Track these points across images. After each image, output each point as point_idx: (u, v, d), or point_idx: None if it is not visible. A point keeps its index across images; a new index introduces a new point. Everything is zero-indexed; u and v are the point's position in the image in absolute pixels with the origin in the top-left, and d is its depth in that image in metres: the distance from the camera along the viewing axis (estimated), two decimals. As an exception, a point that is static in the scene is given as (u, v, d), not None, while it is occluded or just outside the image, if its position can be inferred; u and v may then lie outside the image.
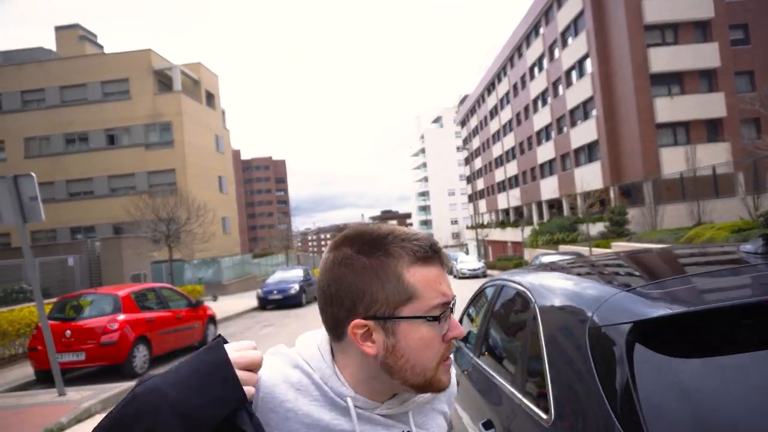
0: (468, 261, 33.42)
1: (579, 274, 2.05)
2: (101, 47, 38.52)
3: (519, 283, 2.29)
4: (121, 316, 8.80)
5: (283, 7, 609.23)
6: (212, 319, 11.47)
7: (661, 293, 1.47)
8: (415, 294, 0.81)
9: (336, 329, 0.83)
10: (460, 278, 31.18)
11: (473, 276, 30.25)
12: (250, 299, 22.26)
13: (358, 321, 0.79)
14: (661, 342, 1.30)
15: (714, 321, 1.31)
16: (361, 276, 0.80)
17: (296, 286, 19.10)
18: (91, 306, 9.17)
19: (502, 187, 53.70)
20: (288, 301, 18.64)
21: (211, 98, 37.73)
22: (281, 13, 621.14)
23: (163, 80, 34.17)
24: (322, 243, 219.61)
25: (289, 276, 20.34)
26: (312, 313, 16.89)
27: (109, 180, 32.58)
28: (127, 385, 7.53)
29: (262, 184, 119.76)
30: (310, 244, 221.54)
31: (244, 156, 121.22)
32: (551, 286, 2.01)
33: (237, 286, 30.32)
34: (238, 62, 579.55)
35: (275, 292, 18.81)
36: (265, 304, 18.84)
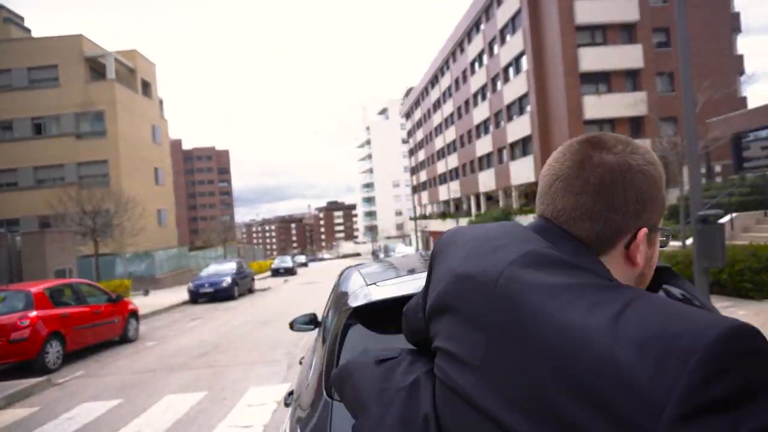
0: (405, 251, 34.03)
1: (376, 268, 2.41)
2: (28, 31, 36.43)
3: (347, 270, 2.62)
4: (33, 313, 8.63)
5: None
6: (134, 314, 11.33)
7: (386, 287, 1.87)
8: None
9: (612, 238, 0.75)
10: (400, 269, 31.75)
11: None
12: (183, 293, 21.89)
13: (645, 230, 0.76)
14: (372, 322, 1.74)
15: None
16: (656, 184, 0.77)
17: (228, 279, 18.97)
18: (3, 303, 8.94)
19: (444, 179, 54.74)
20: (220, 295, 18.51)
21: (147, 87, 36.46)
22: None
23: (96, 68, 32.73)
24: (267, 234, 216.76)
25: (222, 269, 20.16)
26: (242, 305, 16.89)
27: (35, 171, 30.99)
28: (36, 381, 7.42)
29: (204, 175, 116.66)
30: (254, 235, 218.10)
31: (186, 146, 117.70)
32: (355, 273, 2.34)
33: (171, 280, 29.67)
34: (182, 51, 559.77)
35: (207, 285, 18.62)
36: (197, 297, 18.63)
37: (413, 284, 1.91)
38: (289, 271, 37.47)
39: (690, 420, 0.49)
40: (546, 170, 0.82)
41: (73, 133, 31.09)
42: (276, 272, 37.57)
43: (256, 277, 36.88)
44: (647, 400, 0.51)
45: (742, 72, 31.15)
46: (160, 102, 40.21)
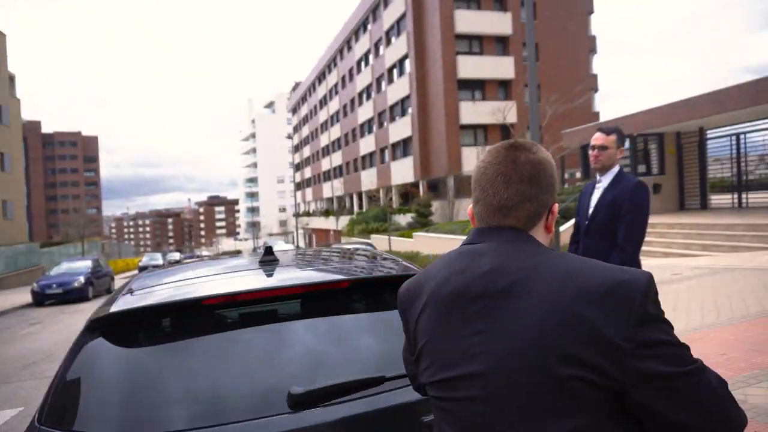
0: (283, 249, 33.38)
1: (171, 270, 2.29)
2: None
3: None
4: None
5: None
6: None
7: (140, 295, 1.66)
8: None
9: (542, 213, 1.05)
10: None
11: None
12: (27, 295, 19.60)
13: (556, 204, 1.10)
14: (115, 333, 1.56)
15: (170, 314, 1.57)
16: (555, 171, 1.09)
17: (81, 279, 17.27)
18: None
19: (328, 176, 54.65)
20: (71, 296, 16.76)
21: (-10, 59, 32.16)
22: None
23: None
24: (140, 230, 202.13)
25: (75, 267, 18.29)
26: (96, 308, 15.43)
27: None
28: None
29: (67, 163, 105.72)
30: (126, 230, 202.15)
31: (48, 129, 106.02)
32: (140, 278, 2.26)
33: (15, 280, 26.44)
34: (54, 29, 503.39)
35: (54, 285, 16.78)
36: (43, 299, 16.70)
37: (191, 288, 1.72)
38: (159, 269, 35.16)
39: (643, 325, 0.87)
40: (485, 168, 1.06)
41: None
42: (144, 270, 35.03)
43: (120, 276, 34.34)
44: (615, 323, 0.87)
45: (596, 89, 34.53)
46: (11, 78, 35.70)
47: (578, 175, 23.77)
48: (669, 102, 15.30)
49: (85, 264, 18.65)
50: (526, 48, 8.50)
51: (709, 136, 16.46)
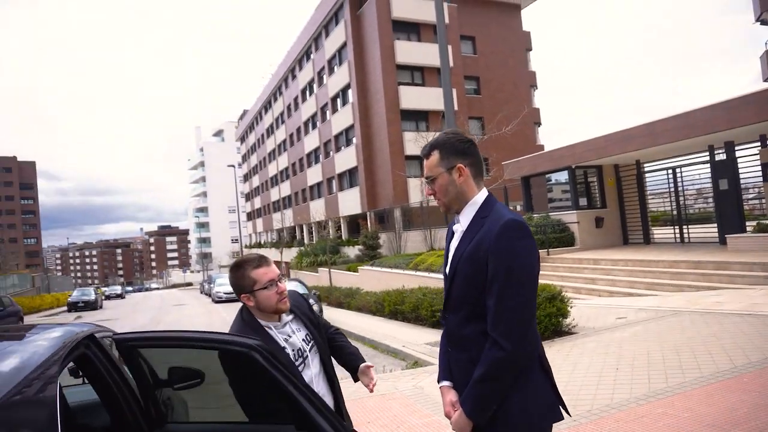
0: (225, 284, 31.73)
1: None
2: None
3: None
4: None
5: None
6: None
7: None
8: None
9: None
10: (216, 302, 29.46)
11: (230, 300, 28.79)
12: None
13: (244, 295, 2.12)
14: None
15: None
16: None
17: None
18: None
19: (278, 206, 53.34)
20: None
21: None
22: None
23: None
24: (87, 261, 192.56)
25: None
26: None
27: None
28: None
29: (2, 190, 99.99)
30: (72, 261, 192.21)
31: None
32: None
33: None
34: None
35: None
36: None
37: None
38: (90, 305, 32.74)
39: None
40: None
41: None
42: (74, 306, 32.58)
43: (43, 313, 31.73)
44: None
45: (539, 122, 35.02)
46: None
47: (519, 208, 23.59)
48: (605, 134, 15.13)
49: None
50: (441, 74, 7.87)
51: (646, 169, 16.41)
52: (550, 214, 17.01)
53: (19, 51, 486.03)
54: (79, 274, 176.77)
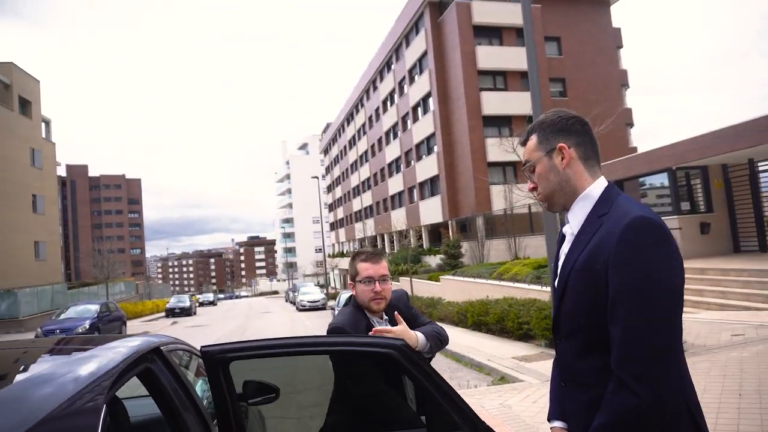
0: (309, 293, 32.41)
1: None
2: None
3: None
4: None
5: (152, 14, 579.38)
6: None
7: None
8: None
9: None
10: (300, 310, 30.08)
11: (313, 308, 29.30)
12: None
13: (350, 283, 2.22)
14: None
15: None
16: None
17: (86, 324, 16.59)
18: None
19: (359, 216, 54.00)
20: (72, 343, 16.08)
21: (26, 105, 33.17)
22: (157, 25, 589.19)
23: (-38, 81, 29.39)
24: (184, 270, 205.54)
25: (80, 312, 17.72)
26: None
27: None
28: None
29: (112, 205, 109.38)
30: (170, 270, 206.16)
31: (94, 172, 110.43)
32: None
33: (39, 321, 26.22)
34: (105, 80, 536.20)
35: (58, 331, 16.15)
36: (43, 346, 16.09)
37: None
38: (185, 312, 34.65)
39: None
40: None
41: (-70, 153, 27.44)
42: (171, 312, 34.65)
43: (144, 318, 33.96)
44: None
45: (630, 123, 32.89)
46: (47, 122, 36.85)
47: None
48: (712, 130, 13.72)
49: (92, 309, 18.04)
50: (529, 79, 7.37)
51: (761, 168, 14.73)
52: (647, 220, 15.69)
53: (126, 82, 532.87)
54: (176, 282, 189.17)
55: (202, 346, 1.93)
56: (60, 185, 78.36)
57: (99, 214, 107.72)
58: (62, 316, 17.82)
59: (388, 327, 2.04)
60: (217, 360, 1.83)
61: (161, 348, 1.80)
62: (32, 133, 33.47)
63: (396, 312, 2.23)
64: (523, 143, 1.59)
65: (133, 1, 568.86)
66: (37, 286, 29.04)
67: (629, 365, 1.25)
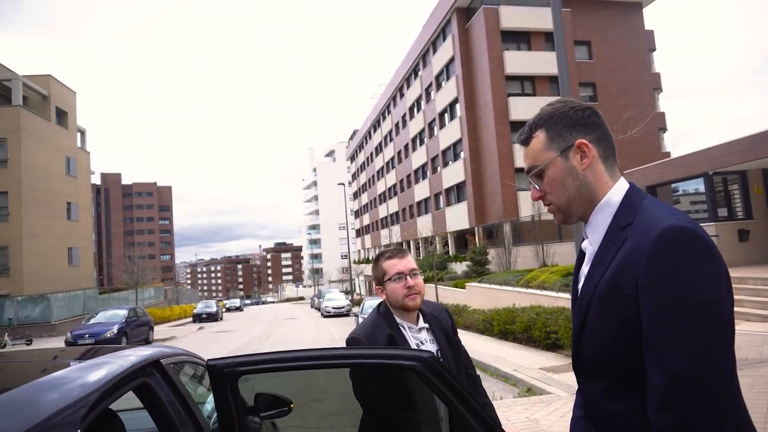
0: (334, 299, 32.39)
1: None
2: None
3: None
4: None
5: (181, 25, 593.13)
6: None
7: None
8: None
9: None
10: (325, 316, 30.05)
11: (338, 314, 29.25)
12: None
13: (377, 287, 2.05)
14: None
15: None
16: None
17: (114, 329, 16.84)
18: None
19: (385, 223, 53.92)
20: (101, 347, 16.32)
21: (63, 116, 34.15)
22: (186, 36, 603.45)
23: (2, 92, 30.39)
24: (213, 276, 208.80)
25: (109, 317, 17.98)
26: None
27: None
28: None
29: (144, 212, 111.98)
30: (199, 276, 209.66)
31: (126, 180, 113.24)
32: None
33: (71, 326, 26.80)
34: (136, 90, 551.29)
35: (87, 336, 16.41)
36: (73, 350, 16.37)
37: None
38: (212, 317, 35.00)
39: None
40: None
41: (-30, 161, 28.42)
42: (198, 318, 35.05)
43: (173, 323, 34.42)
44: None
45: (664, 128, 32.02)
46: (82, 132, 37.87)
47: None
48: (752, 133, 13.17)
49: (120, 314, 18.30)
50: (560, 83, 7.13)
51: (803, 173, 14.08)
52: (682, 227, 15.14)
53: (157, 92, 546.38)
54: (205, 288, 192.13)
55: (208, 360, 1.82)
56: (94, 193, 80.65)
57: (131, 221, 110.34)
58: (91, 321, 18.14)
59: None
60: (225, 374, 1.72)
61: (161, 361, 1.73)
62: (68, 142, 34.43)
63: (438, 322, 2.09)
64: (525, 142, 1.29)
65: (163, 13, 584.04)
66: (70, 291, 29.71)
67: (670, 413, 0.99)
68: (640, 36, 32.92)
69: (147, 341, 19.73)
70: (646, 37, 33.28)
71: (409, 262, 2.09)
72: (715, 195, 14.51)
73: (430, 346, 2.05)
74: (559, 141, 1.23)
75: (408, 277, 2.03)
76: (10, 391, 1.16)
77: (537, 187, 1.28)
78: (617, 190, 1.21)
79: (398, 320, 2.05)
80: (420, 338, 2.05)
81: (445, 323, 2.14)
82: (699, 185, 15.08)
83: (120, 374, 1.38)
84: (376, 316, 2.09)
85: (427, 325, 2.08)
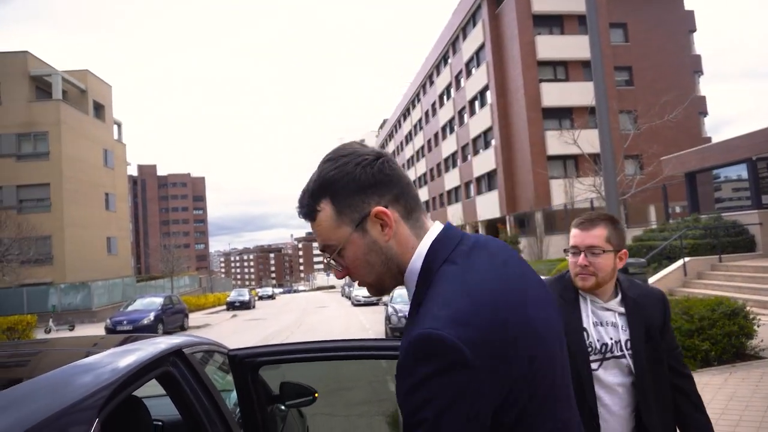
0: (363, 288, 32.55)
1: None
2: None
3: None
4: None
5: (214, 23, 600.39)
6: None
7: None
8: None
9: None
10: (355, 305, 30.28)
11: (368, 303, 29.42)
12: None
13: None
14: None
15: None
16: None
17: (151, 316, 17.32)
18: None
19: (415, 212, 53.86)
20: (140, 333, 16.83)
21: (100, 109, 35.07)
22: (217, 28, 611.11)
23: (43, 87, 31.35)
24: (245, 264, 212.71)
25: (146, 304, 18.50)
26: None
27: (-28, 193, 29.23)
28: None
29: (178, 202, 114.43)
30: (232, 265, 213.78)
31: (162, 171, 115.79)
32: None
33: (110, 313, 27.69)
34: (171, 85, 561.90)
35: (125, 322, 16.95)
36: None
37: None
38: (245, 305, 35.65)
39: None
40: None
41: (14, 154, 29.46)
42: (231, 306, 35.75)
43: (207, 311, 35.19)
44: None
45: (704, 113, 30.89)
46: (118, 125, 38.82)
47: (678, 209, 20.82)
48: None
49: (156, 302, 18.80)
50: (593, 68, 6.91)
51: None
52: (722, 214, 14.62)
53: (190, 85, 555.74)
54: (238, 276, 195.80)
55: (229, 350, 1.84)
56: (131, 184, 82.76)
57: (166, 211, 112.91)
58: (129, 308, 18.71)
59: None
60: (246, 365, 1.75)
61: (184, 351, 1.75)
62: (105, 135, 35.36)
63: (640, 313, 1.77)
64: (308, 216, 1.02)
65: (193, 6, 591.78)
66: (109, 279, 30.67)
67: None
68: (680, 16, 31.73)
69: (182, 328, 20.25)
70: (685, 17, 32.06)
71: (591, 236, 1.77)
72: (759, 181, 13.93)
73: (620, 335, 1.77)
74: (351, 213, 0.97)
75: (582, 254, 1.77)
76: (32, 379, 1.19)
77: (338, 267, 1.04)
78: (419, 256, 0.97)
79: (582, 291, 1.82)
80: (606, 318, 1.79)
81: (650, 316, 1.80)
82: (742, 171, 14.50)
83: (142, 363, 1.40)
84: (564, 275, 1.88)
85: (622, 309, 1.79)
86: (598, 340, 1.75)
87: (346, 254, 1.00)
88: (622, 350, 1.74)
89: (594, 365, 1.73)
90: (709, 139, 29.14)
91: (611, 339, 1.75)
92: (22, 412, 0.97)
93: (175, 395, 1.66)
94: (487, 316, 0.83)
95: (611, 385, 1.73)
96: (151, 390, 1.67)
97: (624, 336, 1.75)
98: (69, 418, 1.02)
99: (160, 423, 2.03)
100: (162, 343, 1.69)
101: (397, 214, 0.98)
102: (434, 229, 0.99)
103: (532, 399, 0.85)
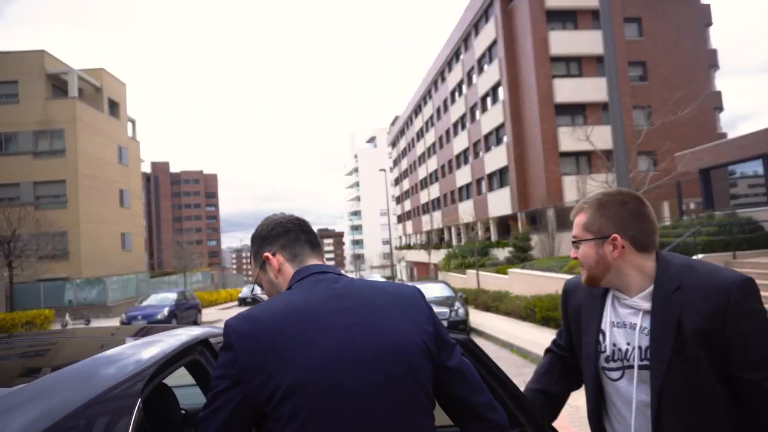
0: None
1: None
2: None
3: None
4: None
5: (225, 20, 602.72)
6: None
7: None
8: None
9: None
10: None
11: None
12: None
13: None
14: None
15: None
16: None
17: (165, 312, 17.56)
18: None
19: (426, 208, 53.79)
20: (153, 328, 17.07)
21: (114, 107, 35.46)
22: (229, 27, 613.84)
23: (59, 85, 31.77)
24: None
25: (160, 300, 18.74)
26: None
27: (-12, 189, 29.74)
28: None
29: (191, 199, 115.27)
30: (244, 261, 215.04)
31: (174, 168, 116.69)
32: None
33: (125, 308, 28.06)
34: (184, 80, 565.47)
35: (140, 317, 17.21)
36: (127, 331, 17.19)
37: None
38: (257, 301, 35.86)
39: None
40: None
41: (31, 151, 29.90)
42: (243, 301, 36.02)
43: (219, 306, 35.49)
44: None
45: (720, 108, 30.49)
46: (132, 122, 39.21)
47: (692, 206, 20.61)
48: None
49: (170, 297, 19.03)
50: (606, 64, 6.89)
51: None
52: (737, 211, 14.47)
53: (202, 83, 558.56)
54: (250, 272, 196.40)
55: None
56: (144, 181, 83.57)
57: (179, 207, 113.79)
58: (144, 303, 18.97)
59: None
60: None
61: (210, 340, 1.83)
62: (119, 132, 35.75)
63: (669, 313, 1.33)
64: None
65: (207, 4, 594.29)
66: (123, 275, 31.05)
67: None
68: (695, 10, 31.32)
69: (195, 323, 20.46)
70: (701, 11, 31.64)
71: (576, 226, 1.53)
72: (775, 178, 13.78)
73: (640, 340, 1.40)
74: (257, 258, 1.42)
75: (581, 245, 1.51)
76: (74, 364, 1.23)
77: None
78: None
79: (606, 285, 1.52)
80: (626, 318, 1.45)
81: (691, 316, 1.31)
82: (757, 167, 14.34)
83: (174, 351, 1.47)
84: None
85: (647, 306, 1.40)
86: (613, 345, 1.46)
87: (262, 285, 1.44)
88: (642, 360, 1.39)
89: (614, 374, 1.45)
90: (724, 135, 28.76)
91: (628, 344, 1.42)
92: (76, 390, 1.04)
93: (202, 383, 1.73)
94: (261, 321, 1.16)
95: (637, 403, 1.40)
96: (170, 381, 1.73)
97: (644, 342, 1.38)
98: (114, 399, 1.09)
99: (184, 411, 2.10)
100: (183, 334, 1.76)
101: (283, 258, 1.37)
102: (304, 269, 1.33)
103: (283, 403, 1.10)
